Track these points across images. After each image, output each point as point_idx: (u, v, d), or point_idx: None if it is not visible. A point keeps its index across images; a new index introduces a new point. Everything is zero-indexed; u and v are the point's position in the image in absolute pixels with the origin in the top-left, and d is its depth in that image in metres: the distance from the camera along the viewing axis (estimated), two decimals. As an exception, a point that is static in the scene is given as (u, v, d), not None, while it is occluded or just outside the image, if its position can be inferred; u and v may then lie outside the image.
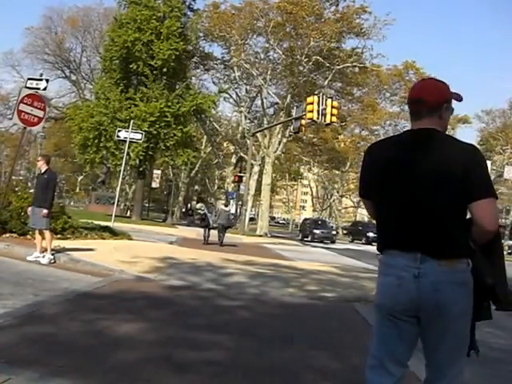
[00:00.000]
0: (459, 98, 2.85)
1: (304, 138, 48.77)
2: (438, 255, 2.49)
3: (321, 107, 27.36)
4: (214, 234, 21.73)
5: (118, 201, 34.62)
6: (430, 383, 2.70)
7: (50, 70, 52.88)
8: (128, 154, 26.80)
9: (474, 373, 4.45)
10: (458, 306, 2.52)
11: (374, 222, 2.87)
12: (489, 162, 38.66)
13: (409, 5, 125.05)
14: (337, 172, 64.39)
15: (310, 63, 39.97)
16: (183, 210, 59.98)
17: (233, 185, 51.33)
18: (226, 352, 5.25)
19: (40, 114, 12.29)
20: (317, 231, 41.74)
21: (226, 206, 23.01)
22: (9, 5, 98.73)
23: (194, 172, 60.41)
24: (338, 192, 70.75)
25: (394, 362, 2.65)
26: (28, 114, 12.06)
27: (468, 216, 2.60)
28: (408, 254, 2.53)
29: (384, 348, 2.67)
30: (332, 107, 27.73)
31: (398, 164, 2.63)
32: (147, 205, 54.34)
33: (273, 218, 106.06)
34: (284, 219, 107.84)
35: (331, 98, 31.31)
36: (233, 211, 51.70)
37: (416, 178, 2.57)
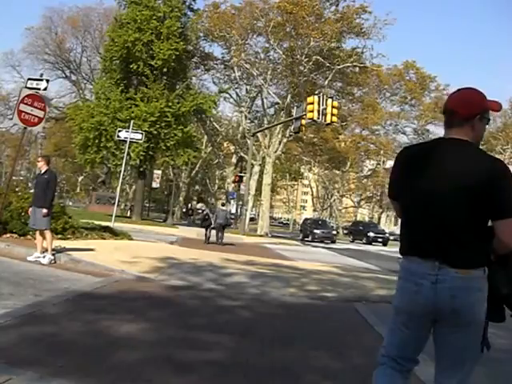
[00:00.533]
0: (497, 108, 2.86)
1: (304, 137, 48.79)
2: (456, 265, 2.58)
3: (321, 107, 27.35)
4: (213, 233, 22.39)
5: (119, 201, 34.60)
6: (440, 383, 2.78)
7: (50, 70, 53.02)
8: (128, 154, 26.80)
9: (476, 373, 4.44)
10: (472, 310, 2.61)
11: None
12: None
13: (409, 4, 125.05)
14: (337, 172, 64.41)
15: (311, 63, 39.95)
16: (184, 210, 59.95)
17: (233, 185, 51.33)
18: (227, 352, 5.24)
19: (40, 114, 12.27)
20: (317, 231, 41.73)
21: (223, 205, 23.56)
22: (9, 5, 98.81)
23: (194, 172, 60.48)
24: (338, 192, 70.77)
25: (405, 359, 2.80)
26: (28, 114, 12.04)
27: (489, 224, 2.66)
28: (426, 262, 2.62)
29: (397, 347, 2.81)
30: (332, 107, 27.72)
31: (425, 173, 2.69)
32: (147, 205, 54.32)
33: (276, 219, 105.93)
34: (287, 219, 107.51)
35: (331, 97, 31.30)
36: (233, 211, 52.06)
37: (440, 190, 2.63)
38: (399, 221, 2.94)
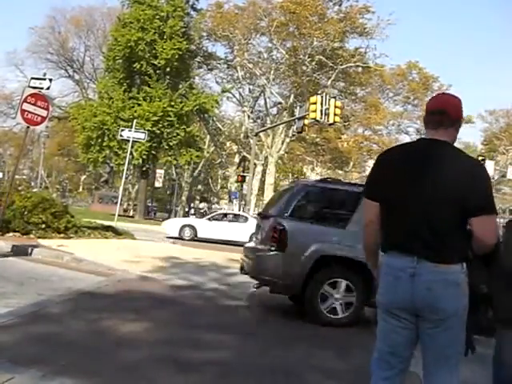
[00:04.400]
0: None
1: (307, 137, 48.70)
2: (434, 260, 2.65)
3: (324, 107, 27.27)
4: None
5: (121, 200, 34.62)
6: (426, 378, 2.79)
7: (53, 69, 52.92)
8: (131, 153, 26.84)
9: (474, 372, 4.45)
10: (450, 304, 2.65)
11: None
12: (492, 162, 38.65)
13: (412, 4, 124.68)
14: (340, 172, 64.25)
15: (313, 63, 39.90)
16: (186, 209, 59.96)
17: (236, 184, 51.29)
18: (230, 352, 5.24)
19: (43, 113, 12.27)
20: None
21: (217, 203, 25.28)
22: (12, 4, 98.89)
23: (197, 171, 60.38)
24: (340, 192, 70.59)
25: (394, 355, 2.82)
26: (31, 113, 12.04)
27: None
28: (406, 257, 2.69)
29: (385, 342, 2.85)
30: (335, 107, 27.64)
31: (409, 173, 2.77)
32: (150, 204, 54.32)
33: None
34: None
35: (334, 97, 31.21)
36: (236, 211, 51.99)
37: (424, 189, 2.70)
38: None
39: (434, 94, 3.15)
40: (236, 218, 24.53)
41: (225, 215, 24.84)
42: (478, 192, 2.67)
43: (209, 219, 23.88)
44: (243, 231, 22.82)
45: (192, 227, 22.70)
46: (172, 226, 23.05)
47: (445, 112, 2.83)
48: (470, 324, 2.73)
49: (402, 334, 2.79)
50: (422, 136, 2.98)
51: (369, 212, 2.94)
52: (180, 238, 21.83)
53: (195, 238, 21.70)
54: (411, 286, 2.66)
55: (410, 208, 2.72)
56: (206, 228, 22.69)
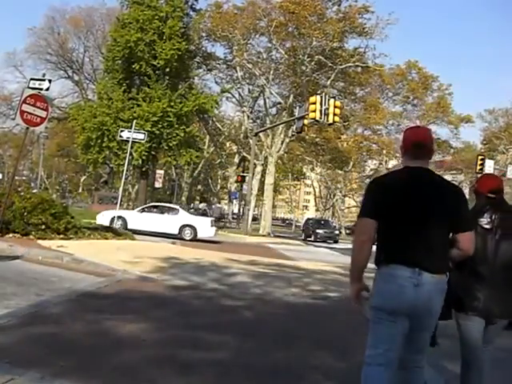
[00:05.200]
0: None
1: (307, 137, 48.70)
2: (432, 271, 3.14)
3: (323, 107, 27.29)
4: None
5: (121, 201, 34.60)
6: (406, 363, 3.30)
7: (52, 70, 52.90)
8: (131, 154, 26.81)
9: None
10: (438, 308, 3.24)
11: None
12: (492, 162, 38.61)
13: (411, 4, 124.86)
14: (340, 172, 64.29)
15: (313, 63, 39.89)
16: (186, 210, 59.96)
17: (236, 185, 51.30)
18: (230, 352, 5.24)
19: (43, 114, 12.27)
20: (320, 231, 41.68)
21: (219, 203, 26.67)
22: (11, 5, 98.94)
23: (196, 172, 60.38)
24: (340, 192, 70.64)
25: (391, 352, 3.21)
26: (31, 114, 12.04)
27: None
28: (410, 268, 3.13)
29: (383, 342, 3.22)
30: (335, 107, 27.67)
31: (409, 196, 3.23)
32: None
33: (284, 221, 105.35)
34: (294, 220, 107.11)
35: (334, 97, 31.26)
36: (235, 211, 52.12)
37: (423, 212, 3.20)
38: None
39: (410, 127, 3.76)
40: (167, 210, 24.82)
41: (155, 207, 25.08)
42: (464, 213, 3.34)
43: (139, 211, 24.24)
44: (173, 223, 23.12)
45: (122, 218, 22.96)
46: (104, 217, 23.20)
47: (425, 145, 3.37)
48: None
49: (400, 335, 3.21)
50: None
51: (366, 230, 3.26)
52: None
53: (127, 229, 21.76)
54: (415, 293, 3.11)
55: (410, 227, 3.19)
56: (136, 219, 22.89)
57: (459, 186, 3.56)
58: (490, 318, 3.75)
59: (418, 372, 3.35)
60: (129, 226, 22.34)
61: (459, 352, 4.04)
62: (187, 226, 23.43)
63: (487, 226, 3.78)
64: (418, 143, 3.34)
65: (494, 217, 3.81)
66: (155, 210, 24.26)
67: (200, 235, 23.27)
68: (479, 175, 38.51)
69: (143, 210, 24.21)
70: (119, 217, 22.85)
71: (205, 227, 23.64)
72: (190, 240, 22.46)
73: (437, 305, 3.20)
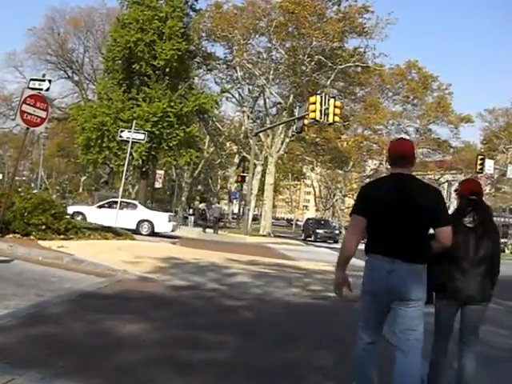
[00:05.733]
0: None
1: (307, 137, 48.69)
2: (406, 260, 3.74)
3: (323, 107, 27.29)
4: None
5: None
6: (399, 343, 3.87)
7: (52, 70, 52.85)
8: (131, 154, 26.81)
9: (477, 372, 4.44)
10: (414, 290, 3.76)
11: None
12: (492, 161, 38.61)
13: (411, 4, 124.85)
14: (340, 172, 64.29)
15: (313, 63, 39.86)
16: (186, 210, 59.94)
17: (236, 185, 51.29)
18: (230, 352, 5.24)
19: (43, 114, 12.27)
20: (320, 231, 41.68)
21: (218, 203, 27.08)
22: (11, 5, 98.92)
23: (196, 172, 60.33)
24: (340, 192, 70.59)
25: (377, 331, 4.03)
26: (31, 114, 12.03)
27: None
28: (387, 258, 3.77)
29: (371, 322, 4.01)
30: (335, 107, 27.67)
31: (391, 200, 3.82)
32: (150, 205, 54.06)
33: (289, 221, 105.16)
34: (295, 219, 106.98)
35: (334, 97, 31.24)
36: (235, 211, 52.02)
37: (402, 211, 3.78)
38: None
39: (394, 140, 4.36)
40: (125, 205, 25.02)
41: (115, 202, 25.06)
42: (442, 210, 3.91)
43: (98, 206, 24.61)
44: (131, 218, 23.32)
45: (82, 214, 23.27)
46: None
47: (407, 155, 3.99)
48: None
49: (383, 312, 3.93)
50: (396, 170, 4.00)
51: (357, 225, 3.96)
52: None
53: None
54: (389, 278, 3.75)
55: (390, 223, 3.80)
56: (95, 214, 23.02)
57: (437, 188, 4.22)
58: (469, 301, 4.25)
59: (405, 341, 3.85)
60: (88, 221, 22.52)
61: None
62: (145, 220, 23.92)
63: (470, 225, 4.27)
64: (401, 155, 3.98)
65: (475, 217, 4.29)
66: (115, 205, 24.27)
67: (157, 230, 23.87)
68: (479, 175, 38.56)
69: (102, 206, 24.55)
70: (78, 212, 23.26)
71: (162, 222, 24.14)
72: (148, 235, 22.93)
73: (412, 285, 3.75)
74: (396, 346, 3.93)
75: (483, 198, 4.54)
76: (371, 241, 3.95)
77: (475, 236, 4.24)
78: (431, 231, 3.90)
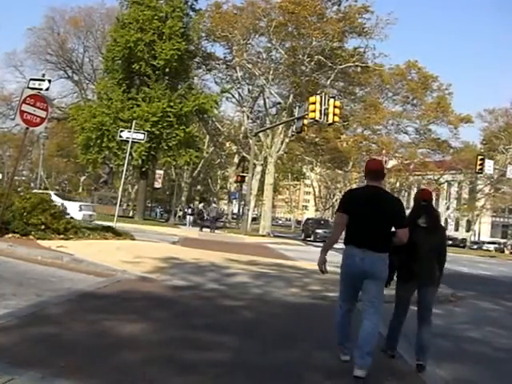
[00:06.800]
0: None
1: (306, 137, 48.70)
2: (374, 250, 4.92)
3: (323, 107, 27.27)
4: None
5: (121, 201, 34.61)
6: (366, 310, 5.01)
7: (52, 70, 52.80)
8: (130, 154, 26.82)
9: (479, 374, 4.44)
10: (380, 272, 5.00)
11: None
12: (491, 162, 38.59)
13: (411, 4, 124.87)
14: (339, 172, 64.35)
15: (313, 63, 39.85)
16: (185, 209, 60.01)
17: (235, 185, 51.30)
18: (230, 352, 5.24)
19: (42, 114, 12.27)
20: (319, 231, 41.61)
21: (214, 203, 27.84)
22: (11, 5, 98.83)
23: (196, 172, 60.40)
24: (340, 192, 70.52)
25: (352, 301, 5.28)
26: (30, 114, 12.03)
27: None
28: (359, 249, 4.95)
29: (347, 295, 5.25)
30: (334, 107, 27.64)
31: (366, 205, 5.02)
32: (150, 205, 54.19)
33: (278, 219, 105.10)
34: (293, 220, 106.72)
35: (333, 97, 31.21)
36: (235, 211, 51.93)
37: (374, 215, 4.96)
38: None
39: (370, 159, 6.16)
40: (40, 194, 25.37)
41: None
42: (401, 216, 5.13)
43: None
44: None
45: None
46: None
47: (380, 172, 5.27)
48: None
49: (356, 288, 5.14)
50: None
51: (341, 220, 5.15)
52: None
53: None
54: (362, 264, 4.91)
55: (362, 222, 4.97)
56: None
57: (399, 198, 5.72)
58: (421, 282, 5.47)
59: (370, 308, 4.98)
60: None
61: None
62: None
63: (423, 225, 5.48)
64: (376, 171, 5.25)
65: (427, 218, 5.52)
66: None
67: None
68: (479, 175, 38.39)
69: None
70: None
71: (72, 212, 23.96)
72: None
73: (379, 268, 4.95)
74: (363, 313, 5.02)
75: (432, 204, 5.81)
76: (348, 234, 5.10)
77: (427, 232, 5.44)
78: (393, 229, 5.09)
